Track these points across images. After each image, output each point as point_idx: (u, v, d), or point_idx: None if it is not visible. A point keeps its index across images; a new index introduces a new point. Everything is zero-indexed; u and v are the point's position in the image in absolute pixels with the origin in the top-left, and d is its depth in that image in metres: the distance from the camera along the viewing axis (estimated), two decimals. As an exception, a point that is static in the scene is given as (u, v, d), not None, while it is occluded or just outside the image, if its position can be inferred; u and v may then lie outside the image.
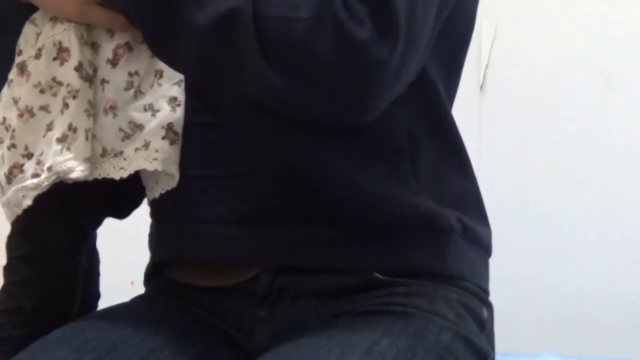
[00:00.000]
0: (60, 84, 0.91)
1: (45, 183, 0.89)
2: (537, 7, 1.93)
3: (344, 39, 0.79)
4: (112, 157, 0.92)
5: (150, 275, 1.06)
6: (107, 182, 0.93)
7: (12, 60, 0.96)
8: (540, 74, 1.93)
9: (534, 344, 1.79)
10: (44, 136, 0.91)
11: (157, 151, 0.91)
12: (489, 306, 1.01)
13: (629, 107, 1.91)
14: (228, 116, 0.94)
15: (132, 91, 0.92)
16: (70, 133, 0.89)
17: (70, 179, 0.89)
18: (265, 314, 0.95)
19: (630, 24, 1.91)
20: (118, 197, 1.01)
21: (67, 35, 0.91)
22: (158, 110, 0.92)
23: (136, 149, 0.91)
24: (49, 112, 0.91)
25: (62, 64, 0.91)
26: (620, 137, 1.91)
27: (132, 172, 0.91)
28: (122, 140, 0.92)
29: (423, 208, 0.93)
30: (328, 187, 0.92)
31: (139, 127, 0.92)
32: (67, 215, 0.98)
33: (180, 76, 0.94)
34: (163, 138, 0.92)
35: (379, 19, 0.79)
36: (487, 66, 1.93)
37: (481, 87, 1.93)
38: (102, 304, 1.07)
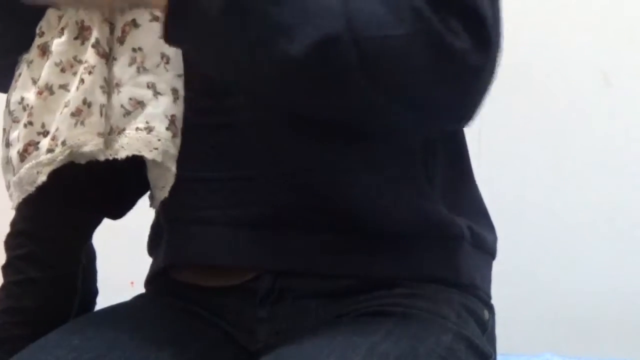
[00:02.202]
0: (80, 62, 0.91)
1: (60, 157, 0.88)
2: (536, 7, 1.93)
3: (445, 51, 0.81)
4: (117, 135, 0.90)
5: (153, 278, 1.06)
6: (109, 180, 0.92)
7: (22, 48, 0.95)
8: (540, 73, 1.93)
9: (534, 344, 1.78)
10: (61, 113, 0.90)
11: (159, 140, 0.90)
12: (491, 308, 1.01)
13: (629, 107, 1.91)
14: (242, 118, 0.94)
15: (134, 66, 0.92)
16: (84, 108, 0.89)
17: (84, 153, 0.88)
18: (266, 314, 0.95)
19: (629, 23, 1.90)
20: (117, 196, 1.01)
21: (89, 14, 0.91)
22: (160, 93, 0.91)
23: (137, 128, 0.90)
24: (68, 90, 0.91)
25: (82, 42, 0.91)
26: (620, 136, 1.90)
27: (130, 154, 0.89)
28: (124, 116, 0.90)
29: (436, 216, 0.94)
30: (340, 192, 0.92)
31: (140, 103, 0.90)
32: (69, 214, 0.98)
33: (182, 69, 0.93)
34: (167, 129, 0.91)
35: (472, 29, 0.82)
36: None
37: (481, 87, 1.92)
38: (102, 304, 1.07)
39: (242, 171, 0.94)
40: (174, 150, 0.91)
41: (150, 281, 1.07)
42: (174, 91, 0.92)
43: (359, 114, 0.87)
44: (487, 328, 0.98)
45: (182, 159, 0.95)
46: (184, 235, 0.98)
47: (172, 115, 0.91)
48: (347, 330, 0.87)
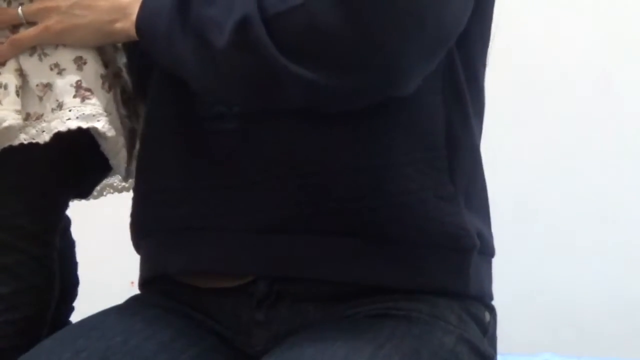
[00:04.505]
0: None
1: None
2: (536, 7, 1.93)
3: (347, 3, 0.80)
4: (34, 120, 0.94)
5: (146, 282, 1.04)
6: (65, 164, 0.97)
7: None
8: (540, 73, 1.93)
9: (534, 344, 1.79)
10: None
11: (70, 110, 0.93)
12: (492, 310, 1.00)
13: (629, 107, 1.91)
14: (253, 123, 0.92)
15: (36, 55, 0.95)
16: (1, 90, 0.93)
17: (4, 131, 0.91)
18: (263, 316, 0.93)
19: (630, 24, 1.91)
20: (77, 178, 1.03)
21: None
22: (64, 69, 0.94)
23: (52, 109, 0.93)
24: None
25: None
26: (620, 136, 1.91)
27: (51, 134, 0.93)
28: (40, 102, 0.94)
29: (453, 226, 0.91)
30: (352, 195, 0.90)
31: (47, 86, 0.94)
32: (32, 199, 0.99)
33: None
34: (74, 96, 0.93)
35: None
36: (486, 66, 1.92)
37: (481, 86, 1.93)
38: (103, 304, 1.06)
39: (255, 176, 0.92)
40: (89, 110, 0.94)
41: (143, 284, 1.05)
42: (77, 59, 0.95)
43: (301, 96, 0.86)
44: (488, 330, 0.97)
45: (178, 166, 0.95)
46: (190, 243, 0.96)
47: (77, 81, 0.94)
48: (350, 333, 0.86)
